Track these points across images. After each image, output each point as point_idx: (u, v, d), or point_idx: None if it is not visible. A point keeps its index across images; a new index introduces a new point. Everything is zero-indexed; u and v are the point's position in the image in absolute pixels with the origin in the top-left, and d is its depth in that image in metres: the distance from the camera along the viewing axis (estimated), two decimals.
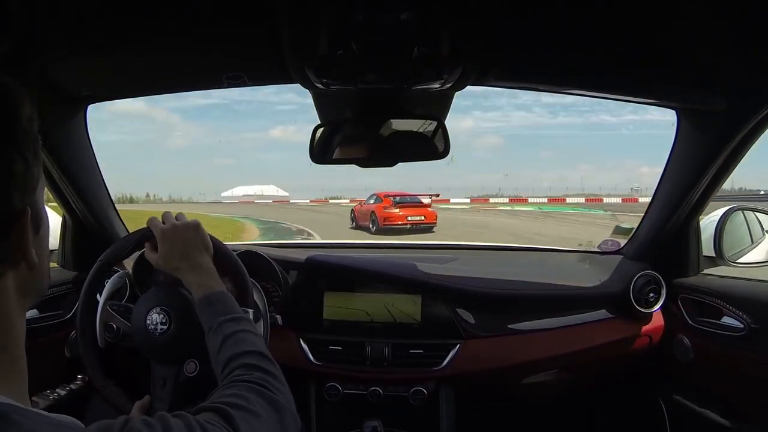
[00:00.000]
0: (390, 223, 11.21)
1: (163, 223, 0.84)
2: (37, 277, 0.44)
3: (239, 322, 0.71)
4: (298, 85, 0.92)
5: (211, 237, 0.91)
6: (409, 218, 11.30)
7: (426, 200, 12.59)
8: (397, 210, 11.50)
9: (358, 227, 12.46)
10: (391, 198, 12.10)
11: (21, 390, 0.41)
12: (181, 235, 0.82)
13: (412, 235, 10.45)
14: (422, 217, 11.44)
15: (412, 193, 13.22)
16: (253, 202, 39.71)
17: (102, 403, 1.00)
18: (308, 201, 39.90)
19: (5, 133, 0.39)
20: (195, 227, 0.83)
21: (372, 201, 12.66)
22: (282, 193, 48.74)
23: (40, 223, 0.44)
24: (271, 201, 40.42)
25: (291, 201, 40.99)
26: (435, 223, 11.68)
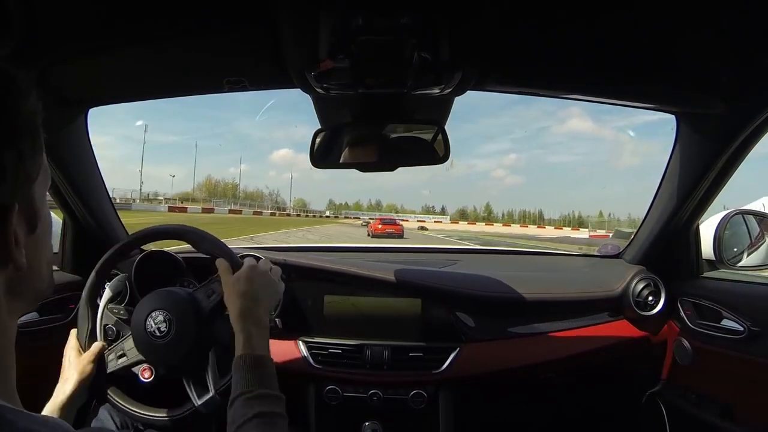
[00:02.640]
0: (375, 231, 23.02)
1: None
2: (28, 280, 0.41)
3: (278, 403, 0.67)
4: None
5: (183, 226, 0.93)
6: (387, 230, 23.35)
7: (398, 221, 28.53)
8: (380, 225, 24.45)
9: (368, 235, 23.25)
10: (380, 219, 29.10)
11: (11, 391, 0.41)
12: (265, 285, 0.82)
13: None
14: (393, 230, 23.76)
15: (392, 217, 42.88)
16: None
17: (103, 408, 1.00)
18: None
19: None
20: (279, 290, 0.85)
21: (374, 221, 26.68)
22: None
23: (36, 221, 0.41)
24: None
25: None
26: (402, 233, 23.79)
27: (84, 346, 0.89)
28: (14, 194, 0.38)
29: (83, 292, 0.93)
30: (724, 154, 1.04)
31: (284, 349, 1.22)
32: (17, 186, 0.38)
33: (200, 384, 0.88)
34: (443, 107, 1.05)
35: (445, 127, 0.98)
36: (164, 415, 0.88)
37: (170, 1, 0.73)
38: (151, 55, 0.89)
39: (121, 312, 0.95)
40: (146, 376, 0.90)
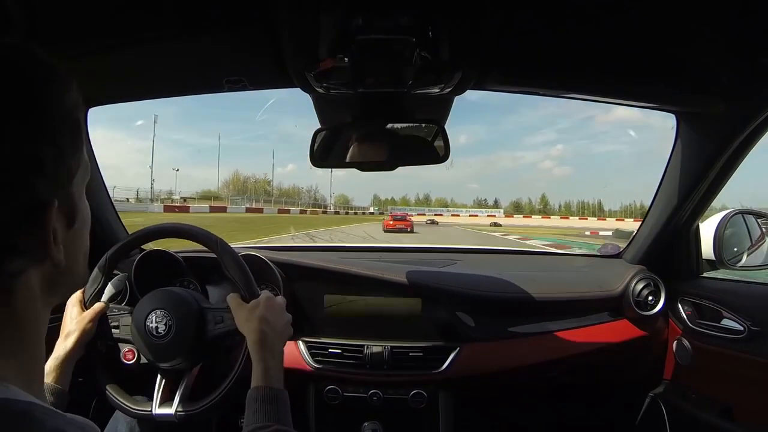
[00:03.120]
0: (386, 227, 23.27)
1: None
2: (65, 275, 0.41)
3: None
4: None
5: (214, 235, 0.91)
6: (397, 226, 23.49)
7: (408, 216, 29.02)
8: (392, 221, 24.50)
9: (383, 230, 23.58)
10: (392, 215, 28.52)
11: (40, 388, 0.40)
12: (282, 317, 0.83)
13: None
14: (403, 225, 23.94)
15: (403, 213, 32.77)
16: None
17: (104, 406, 1.00)
18: None
19: (35, 116, 0.35)
20: (290, 318, 0.85)
21: (387, 217, 28.08)
22: None
23: (75, 217, 0.40)
24: None
25: None
26: (411, 228, 24.26)
27: (86, 304, 0.91)
28: (54, 190, 0.37)
29: (103, 257, 0.93)
30: (724, 154, 1.05)
31: (284, 349, 1.22)
32: (57, 182, 0.37)
33: (168, 391, 0.89)
34: (443, 106, 1.05)
35: (445, 126, 0.98)
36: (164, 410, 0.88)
37: (170, 1, 0.73)
38: (151, 55, 0.89)
39: (122, 311, 0.95)
40: (129, 357, 0.91)
